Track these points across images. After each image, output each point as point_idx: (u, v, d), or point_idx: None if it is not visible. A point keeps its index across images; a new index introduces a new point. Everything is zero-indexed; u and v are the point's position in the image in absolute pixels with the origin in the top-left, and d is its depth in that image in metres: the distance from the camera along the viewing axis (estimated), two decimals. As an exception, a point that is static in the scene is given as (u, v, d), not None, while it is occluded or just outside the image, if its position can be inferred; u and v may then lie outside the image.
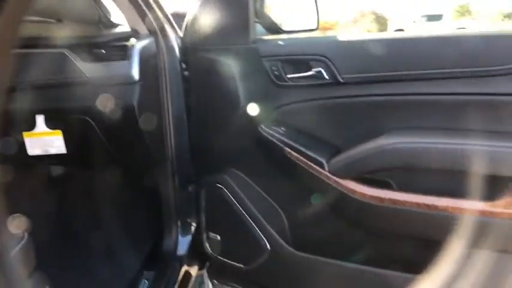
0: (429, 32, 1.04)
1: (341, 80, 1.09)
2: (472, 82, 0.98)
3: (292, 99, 1.20)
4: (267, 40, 1.24)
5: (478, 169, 0.92)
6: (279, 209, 1.31)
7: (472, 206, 0.95)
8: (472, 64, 0.97)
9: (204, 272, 1.62)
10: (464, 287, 0.88)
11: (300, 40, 1.23)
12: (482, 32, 1.03)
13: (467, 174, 0.96)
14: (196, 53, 1.32)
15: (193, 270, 1.57)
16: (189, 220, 1.60)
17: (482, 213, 0.94)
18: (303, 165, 1.15)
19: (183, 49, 1.42)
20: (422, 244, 1.02)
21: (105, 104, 1.21)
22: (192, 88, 1.39)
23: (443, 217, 0.98)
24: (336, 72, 1.09)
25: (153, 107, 1.37)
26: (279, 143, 1.19)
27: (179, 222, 1.58)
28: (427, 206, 0.99)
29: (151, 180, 1.54)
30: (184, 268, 1.51)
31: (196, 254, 1.57)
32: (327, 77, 1.11)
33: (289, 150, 1.17)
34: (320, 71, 1.11)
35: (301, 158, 1.15)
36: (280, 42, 1.21)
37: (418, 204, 1.00)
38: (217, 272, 1.61)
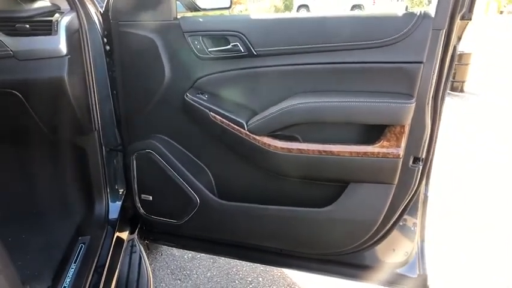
0: (317, 14, 1.29)
1: (255, 53, 1.30)
2: (346, 54, 1.23)
3: (214, 69, 1.37)
4: (189, 17, 1.39)
5: (355, 120, 1.22)
6: (205, 168, 1.51)
7: (357, 149, 1.24)
8: (346, 39, 1.22)
9: (135, 236, 1.76)
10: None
11: (218, 18, 1.40)
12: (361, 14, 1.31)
13: (349, 125, 1.26)
14: (119, 27, 1.41)
15: (125, 235, 1.70)
16: (117, 187, 1.71)
17: (364, 154, 1.24)
18: (226, 127, 1.35)
19: (105, 24, 1.49)
20: (319, 183, 1.31)
21: (35, 77, 1.26)
22: (115, 62, 1.48)
23: (337, 160, 1.27)
24: (250, 46, 1.29)
25: (80, 79, 1.43)
26: (204, 108, 1.36)
27: (108, 189, 1.68)
28: (326, 152, 1.27)
29: (80, 150, 1.61)
30: (117, 233, 1.63)
31: (127, 219, 1.70)
32: (242, 50, 1.30)
33: (213, 114, 1.36)
34: (237, 45, 1.30)
35: (224, 120, 1.35)
36: (201, 20, 1.36)
37: (319, 151, 1.28)
38: (149, 232, 1.76)
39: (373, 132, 1.25)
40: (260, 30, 1.30)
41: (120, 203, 1.69)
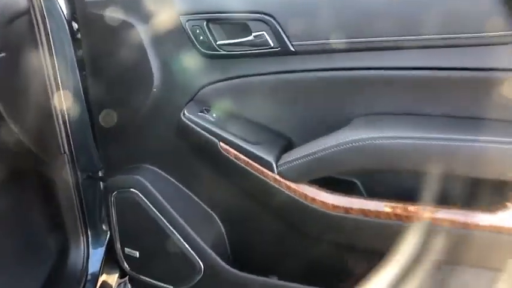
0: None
1: (292, 48, 0.79)
2: (459, 53, 0.72)
3: (225, 74, 0.87)
4: None
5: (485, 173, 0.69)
6: (214, 214, 1.02)
7: (467, 217, 0.72)
8: (460, 30, 0.70)
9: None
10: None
11: None
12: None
13: (455, 178, 0.73)
14: (86, 7, 0.93)
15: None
16: (103, 226, 1.26)
17: (477, 226, 0.72)
18: (244, 166, 0.85)
19: (70, 2, 1.02)
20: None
21: None
22: (86, 57, 1.01)
23: (429, 230, 0.75)
24: (285, 38, 0.78)
25: (23, 84, 0.98)
26: (210, 136, 0.87)
27: (88, 230, 1.24)
28: (409, 216, 0.75)
29: (47, 181, 1.17)
30: None
31: (112, 269, 1.25)
32: (272, 43, 0.79)
33: (224, 145, 0.86)
34: (263, 36, 0.80)
35: (240, 155, 0.85)
36: None
37: (396, 215, 0.76)
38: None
39: (490, 189, 0.73)
40: (301, 12, 0.78)
41: (103, 248, 1.24)
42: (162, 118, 0.96)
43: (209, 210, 1.02)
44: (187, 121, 0.89)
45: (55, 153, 1.13)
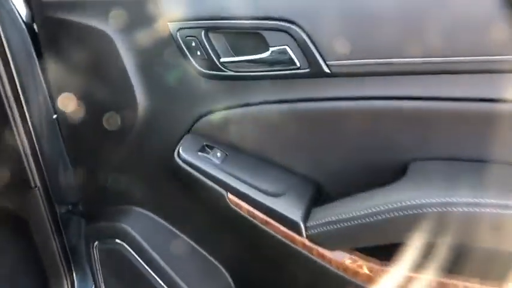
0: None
1: (326, 70, 0.56)
2: None
3: (232, 100, 0.65)
4: None
5: None
6: (221, 268, 0.81)
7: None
8: None
9: None
10: None
11: None
12: None
13: None
14: (43, 9, 0.70)
15: None
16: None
17: None
18: (260, 225, 0.64)
19: (29, 3, 0.79)
20: None
21: None
22: (50, 73, 0.79)
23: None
24: (317, 55, 0.55)
25: None
26: (214, 184, 0.65)
27: (74, 274, 1.04)
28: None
29: (19, 220, 0.98)
30: None
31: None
32: (298, 62, 0.56)
33: (233, 197, 0.65)
34: (284, 51, 0.56)
35: (255, 212, 0.63)
36: None
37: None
38: None
39: None
40: (339, 21, 0.55)
41: None
42: (151, 154, 0.74)
43: (215, 262, 0.81)
44: (182, 164, 0.67)
45: (23, 187, 0.92)
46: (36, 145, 0.89)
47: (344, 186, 0.63)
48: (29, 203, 0.95)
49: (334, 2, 0.55)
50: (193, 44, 0.61)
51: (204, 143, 0.68)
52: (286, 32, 0.55)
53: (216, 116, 0.67)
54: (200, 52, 0.61)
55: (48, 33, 0.73)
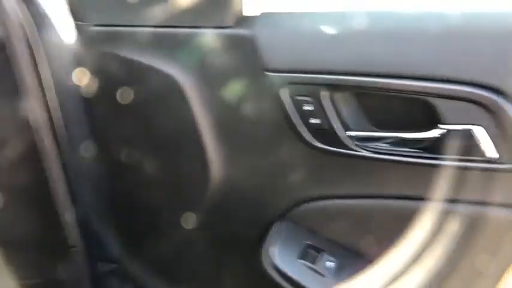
0: None
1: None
2: None
3: (358, 187, 0.43)
4: (280, 16, 0.43)
5: None
6: None
7: None
8: None
9: None
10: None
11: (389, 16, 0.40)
12: None
13: None
14: (92, 44, 0.51)
15: None
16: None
17: None
18: None
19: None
20: None
21: None
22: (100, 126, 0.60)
23: None
24: None
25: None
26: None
27: None
28: None
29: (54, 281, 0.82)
30: None
31: None
32: (496, 152, 0.33)
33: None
34: (469, 135, 0.34)
35: None
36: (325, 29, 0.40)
37: None
38: None
39: None
40: None
41: None
42: (225, 239, 0.54)
43: None
44: (274, 273, 0.45)
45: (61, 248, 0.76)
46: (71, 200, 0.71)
47: None
48: (66, 264, 0.79)
49: None
50: (306, 107, 0.40)
51: (304, 242, 0.46)
52: (478, 103, 0.32)
53: (325, 205, 0.45)
54: (315, 119, 0.40)
55: (93, 76, 0.54)
